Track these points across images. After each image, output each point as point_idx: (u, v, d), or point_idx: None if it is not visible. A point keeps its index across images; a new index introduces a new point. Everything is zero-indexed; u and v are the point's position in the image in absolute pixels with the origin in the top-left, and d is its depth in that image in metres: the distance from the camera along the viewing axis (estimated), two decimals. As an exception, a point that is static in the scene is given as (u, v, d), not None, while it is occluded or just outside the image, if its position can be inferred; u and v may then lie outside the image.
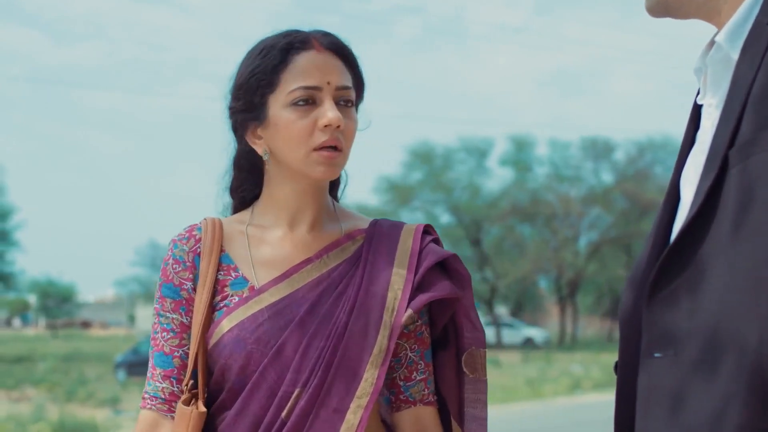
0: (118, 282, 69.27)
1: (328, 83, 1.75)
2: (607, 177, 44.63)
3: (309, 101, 1.75)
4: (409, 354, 1.82)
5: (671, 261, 1.30)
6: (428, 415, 1.82)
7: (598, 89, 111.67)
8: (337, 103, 1.76)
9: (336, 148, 1.75)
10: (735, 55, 1.34)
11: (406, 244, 1.83)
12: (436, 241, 1.87)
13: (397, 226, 1.88)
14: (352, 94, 1.80)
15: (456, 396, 1.85)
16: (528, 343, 43.41)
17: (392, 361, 1.80)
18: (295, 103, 1.75)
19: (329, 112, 1.73)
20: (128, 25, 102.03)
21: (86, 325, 77.09)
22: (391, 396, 1.83)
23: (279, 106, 1.76)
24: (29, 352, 37.59)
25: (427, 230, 1.88)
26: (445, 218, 44.50)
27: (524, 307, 54.82)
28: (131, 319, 72.90)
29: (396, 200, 43.39)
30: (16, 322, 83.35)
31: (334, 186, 1.95)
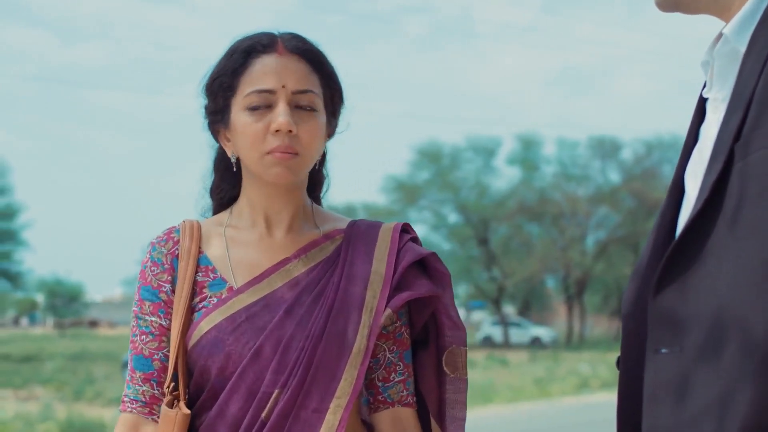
0: (126, 281, 69.48)
1: (283, 87, 1.74)
2: (615, 176, 44.69)
3: (263, 105, 1.75)
4: (388, 355, 1.81)
5: (677, 254, 1.30)
6: (406, 416, 1.81)
7: (605, 88, 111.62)
8: (295, 108, 1.75)
9: (292, 152, 1.74)
10: (742, 49, 1.34)
11: (384, 243, 1.83)
12: (415, 239, 1.86)
13: (375, 226, 1.87)
14: (314, 99, 1.78)
15: (436, 396, 1.85)
16: (535, 343, 43.41)
17: (370, 362, 1.80)
18: (250, 107, 1.75)
19: (280, 117, 1.72)
20: (135, 24, 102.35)
21: (94, 324, 77.23)
22: (370, 397, 1.83)
23: (238, 110, 1.77)
24: (37, 352, 37.70)
25: (405, 229, 1.88)
26: (452, 217, 44.57)
27: (532, 306, 54.79)
28: (139, 318, 72.91)
29: (403, 200, 43.43)
30: (24, 321, 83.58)
31: (315, 188, 1.94)
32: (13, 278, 43.54)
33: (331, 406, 1.70)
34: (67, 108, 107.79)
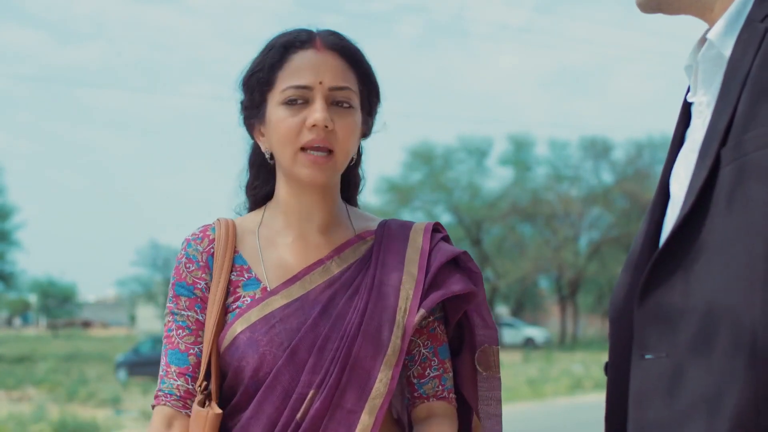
0: (119, 282, 69.40)
1: (321, 83, 1.75)
2: (607, 176, 44.64)
3: (300, 100, 1.75)
4: (422, 350, 1.81)
5: (665, 258, 1.30)
6: (440, 408, 1.80)
7: (600, 88, 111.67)
8: (331, 104, 1.76)
9: (326, 150, 1.74)
10: (727, 53, 1.34)
11: (416, 243, 1.83)
12: (446, 239, 1.87)
13: (406, 226, 1.88)
14: (351, 96, 1.78)
15: (475, 394, 1.85)
16: (529, 343, 43.34)
17: (405, 359, 1.80)
18: (286, 102, 1.75)
19: (316, 113, 1.73)
20: (132, 25, 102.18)
21: (87, 325, 77.11)
22: (408, 395, 1.83)
23: (274, 104, 1.77)
24: (30, 352, 37.63)
25: (437, 228, 1.88)
26: (445, 218, 44.44)
27: (525, 306, 54.76)
28: (132, 319, 72.91)
29: (396, 201, 43.35)
30: (17, 321, 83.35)
31: (349, 188, 1.95)
32: (6, 279, 43.37)
33: (366, 406, 1.70)
34: (61, 108, 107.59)
